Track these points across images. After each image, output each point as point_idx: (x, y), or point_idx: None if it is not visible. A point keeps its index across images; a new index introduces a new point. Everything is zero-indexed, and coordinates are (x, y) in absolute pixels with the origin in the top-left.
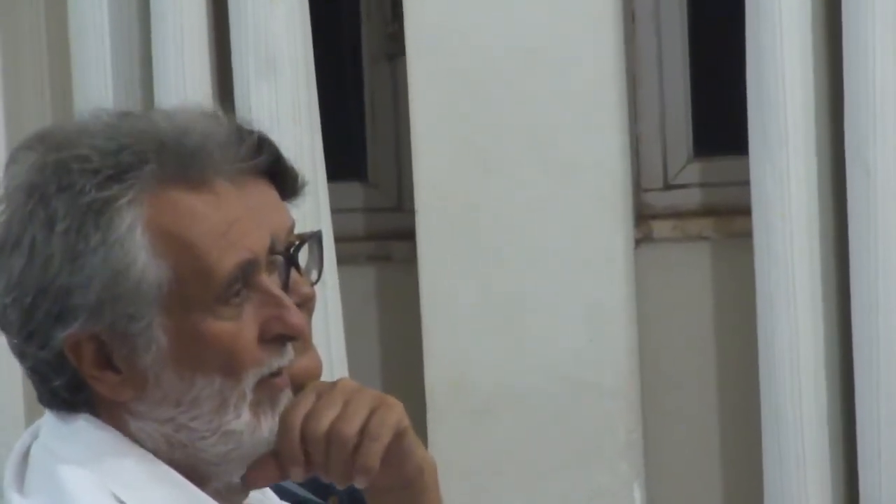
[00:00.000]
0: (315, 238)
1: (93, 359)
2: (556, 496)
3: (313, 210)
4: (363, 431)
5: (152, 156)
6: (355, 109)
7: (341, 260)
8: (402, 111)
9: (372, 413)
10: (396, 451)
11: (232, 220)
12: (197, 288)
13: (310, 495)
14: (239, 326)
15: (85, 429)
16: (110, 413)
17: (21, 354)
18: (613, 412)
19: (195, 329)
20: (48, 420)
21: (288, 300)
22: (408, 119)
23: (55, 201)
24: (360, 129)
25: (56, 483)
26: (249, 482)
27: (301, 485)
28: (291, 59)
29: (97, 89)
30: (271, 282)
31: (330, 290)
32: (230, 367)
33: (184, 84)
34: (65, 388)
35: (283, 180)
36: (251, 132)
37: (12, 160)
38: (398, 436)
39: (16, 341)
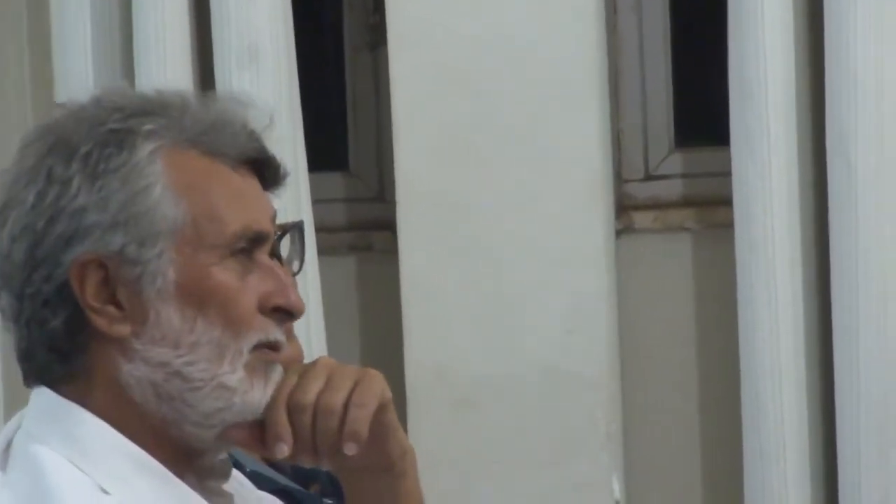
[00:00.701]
0: (297, 228)
1: (96, 288)
2: (536, 487)
3: (294, 200)
4: (349, 401)
5: (176, 112)
6: (337, 100)
7: (322, 250)
8: (383, 102)
9: (356, 384)
10: (381, 424)
11: (242, 192)
12: (209, 232)
13: (291, 483)
14: (243, 286)
15: (69, 418)
16: (104, 357)
17: (17, 310)
18: (594, 403)
19: (204, 271)
20: (31, 410)
21: (289, 279)
22: (389, 109)
23: (76, 135)
24: (341, 120)
25: (39, 471)
26: (227, 437)
27: (283, 472)
28: (273, 48)
29: (79, 78)
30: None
31: (310, 280)
32: (232, 319)
33: (165, 73)
34: (62, 328)
35: (266, 170)
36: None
37: (22, 153)
38: (382, 407)
39: (15, 292)
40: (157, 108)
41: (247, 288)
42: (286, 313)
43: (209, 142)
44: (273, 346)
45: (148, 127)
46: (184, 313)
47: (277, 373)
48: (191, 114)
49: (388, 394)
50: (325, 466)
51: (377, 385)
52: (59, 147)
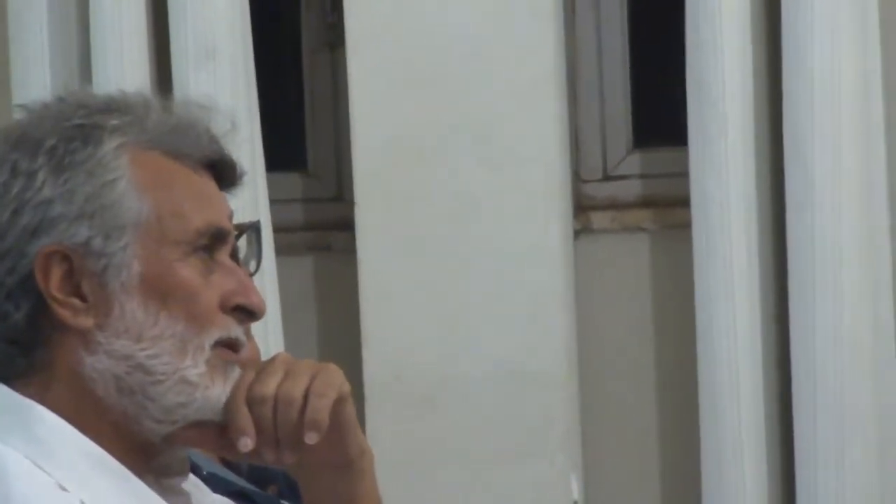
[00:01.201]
0: (254, 228)
1: (60, 280)
2: (494, 487)
3: (252, 200)
4: (308, 392)
5: (140, 112)
6: (295, 99)
7: (280, 250)
8: (341, 101)
9: (314, 376)
10: (340, 418)
11: (203, 193)
12: (173, 228)
13: (248, 485)
14: (206, 283)
15: (29, 415)
16: (66, 350)
17: None
18: (552, 403)
19: (168, 265)
20: None
21: (250, 280)
22: (347, 109)
23: (40, 130)
24: (299, 120)
25: None
26: (186, 438)
27: (240, 475)
28: (230, 47)
29: (36, 77)
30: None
31: (268, 279)
32: (195, 315)
33: (122, 72)
34: (24, 320)
35: (224, 172)
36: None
37: None
38: (341, 399)
39: None
40: (121, 107)
41: (209, 285)
42: (247, 313)
43: (171, 143)
44: (233, 344)
45: (114, 122)
46: (147, 307)
47: (236, 372)
48: (154, 115)
49: (347, 387)
50: (287, 460)
51: (336, 377)
52: (24, 142)
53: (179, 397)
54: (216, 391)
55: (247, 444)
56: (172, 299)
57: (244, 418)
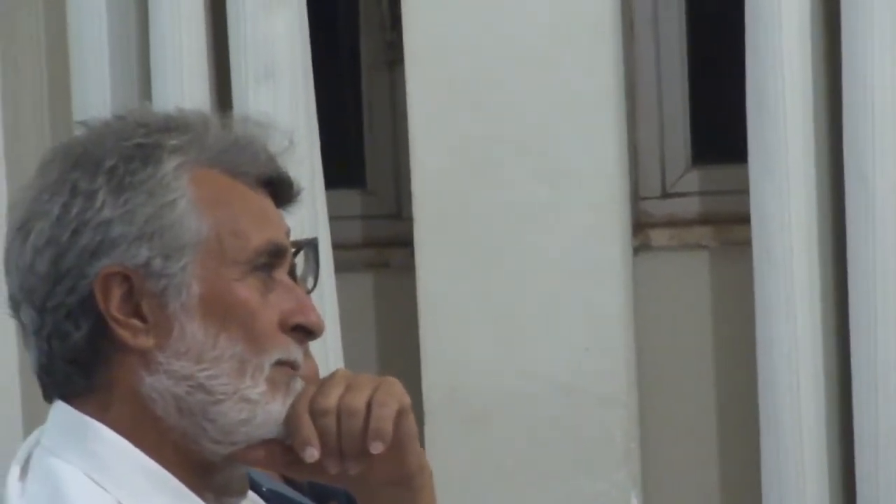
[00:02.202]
0: (311, 245)
1: (120, 300)
2: None
3: (311, 217)
4: (371, 402)
5: (199, 130)
6: (353, 117)
7: (339, 267)
8: (400, 119)
9: (376, 389)
10: (401, 431)
11: (261, 210)
12: (232, 247)
13: (307, 500)
14: (265, 303)
15: (88, 433)
16: (126, 370)
17: (39, 324)
18: (611, 421)
19: (227, 286)
20: (50, 425)
21: (308, 298)
22: (406, 126)
23: (100, 149)
24: (358, 137)
25: (56, 485)
26: (247, 456)
27: (300, 492)
28: (290, 65)
29: (96, 95)
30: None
31: (327, 297)
32: (254, 336)
33: (182, 91)
34: (84, 341)
35: (280, 188)
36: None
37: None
38: (403, 411)
39: (37, 305)
40: (180, 125)
41: (268, 305)
42: (306, 332)
43: (230, 161)
44: (292, 365)
45: (173, 142)
46: (207, 328)
47: (298, 384)
48: (212, 133)
49: (408, 399)
50: (351, 471)
51: (397, 389)
52: (84, 161)
53: (241, 414)
54: (277, 406)
55: (313, 454)
56: (231, 320)
57: (308, 428)
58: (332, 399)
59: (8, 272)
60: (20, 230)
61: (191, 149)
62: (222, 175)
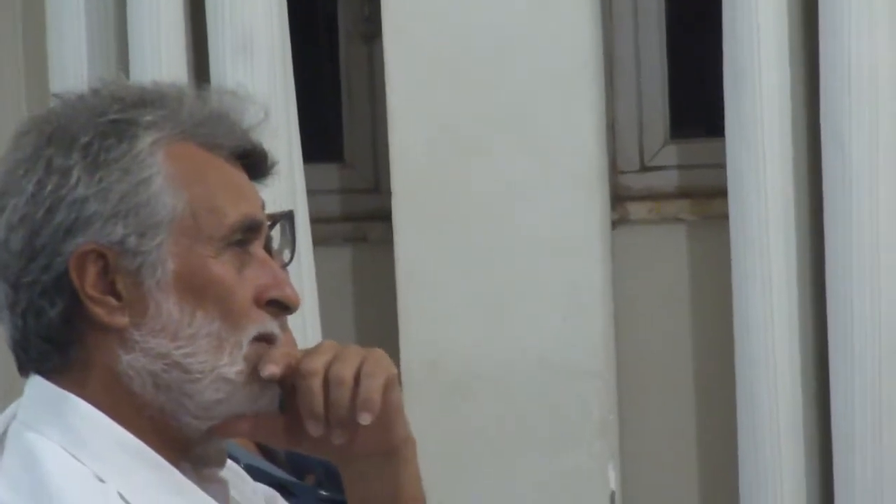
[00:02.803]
0: (287, 217)
1: (95, 278)
2: (530, 476)
3: (289, 191)
4: (359, 373)
5: (174, 104)
6: (331, 90)
7: (317, 241)
8: (378, 92)
9: (363, 359)
10: (388, 402)
11: (237, 184)
12: (208, 223)
13: (287, 476)
14: (240, 279)
15: (65, 407)
16: (101, 347)
17: (13, 299)
18: (589, 393)
19: (203, 263)
20: (26, 399)
21: (283, 272)
22: (384, 100)
23: (75, 125)
24: (336, 111)
25: (33, 459)
26: (229, 429)
27: (277, 464)
28: (267, 39)
29: (73, 69)
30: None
31: (306, 271)
32: (230, 312)
33: (160, 64)
34: (59, 318)
35: (255, 160)
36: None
37: (17, 142)
38: (389, 382)
39: (11, 281)
40: (155, 100)
41: (244, 281)
42: (282, 306)
43: (206, 134)
44: (269, 339)
45: (148, 118)
46: (182, 306)
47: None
48: (188, 106)
49: (395, 370)
50: (336, 441)
51: (384, 360)
52: (59, 137)
53: (218, 394)
54: (255, 386)
55: (318, 429)
56: (207, 297)
57: (318, 401)
58: (317, 363)
59: None
60: None
61: (166, 124)
62: (198, 148)
